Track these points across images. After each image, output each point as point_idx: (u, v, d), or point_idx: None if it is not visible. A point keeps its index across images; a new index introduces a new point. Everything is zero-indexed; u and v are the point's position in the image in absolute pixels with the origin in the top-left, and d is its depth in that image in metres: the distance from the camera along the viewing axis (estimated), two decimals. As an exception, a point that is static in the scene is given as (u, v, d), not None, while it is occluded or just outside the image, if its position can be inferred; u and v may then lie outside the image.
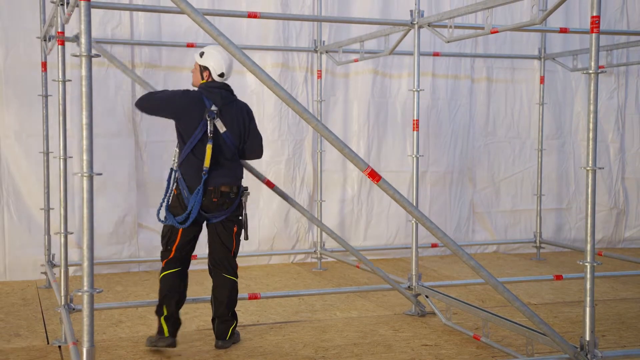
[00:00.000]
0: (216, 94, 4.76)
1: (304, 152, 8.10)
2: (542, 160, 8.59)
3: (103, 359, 4.64)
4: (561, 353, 4.29)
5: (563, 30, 7.08)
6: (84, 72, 3.30)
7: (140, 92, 7.46)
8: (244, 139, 4.85)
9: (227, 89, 4.85)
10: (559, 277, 6.45)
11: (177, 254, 4.78)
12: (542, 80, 8.53)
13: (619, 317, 5.77)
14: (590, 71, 4.05)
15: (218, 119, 4.68)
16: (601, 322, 5.51)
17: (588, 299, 4.12)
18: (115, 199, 7.42)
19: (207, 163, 4.62)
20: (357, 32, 7.75)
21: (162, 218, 4.79)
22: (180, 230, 4.71)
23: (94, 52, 3.34)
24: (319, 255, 7.83)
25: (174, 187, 4.80)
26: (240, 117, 4.83)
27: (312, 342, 5.05)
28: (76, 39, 6.06)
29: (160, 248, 4.87)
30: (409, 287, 5.88)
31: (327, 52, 7.78)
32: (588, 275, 4.11)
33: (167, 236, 4.77)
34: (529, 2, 5.08)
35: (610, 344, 5.00)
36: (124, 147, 7.46)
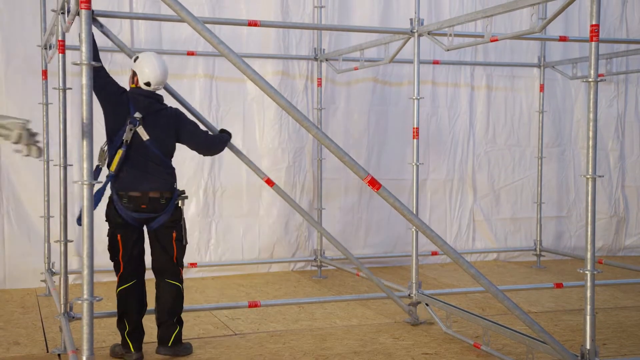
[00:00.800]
0: (140, 102, 4.71)
1: (304, 160, 8.11)
2: (542, 168, 8.59)
3: (103, 367, 4.63)
4: (562, 361, 4.28)
5: (562, 39, 7.10)
6: (84, 81, 3.30)
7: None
8: (172, 146, 4.81)
9: (154, 97, 4.78)
10: (559, 285, 6.44)
11: (129, 267, 4.75)
12: (541, 88, 8.54)
13: (619, 325, 5.76)
14: (590, 79, 4.06)
15: (140, 126, 4.65)
16: (602, 330, 5.50)
17: (588, 307, 4.11)
18: (116, 207, 7.41)
19: (113, 167, 4.65)
20: (357, 40, 7.76)
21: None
22: (119, 237, 4.71)
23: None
24: (319, 263, 7.83)
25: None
26: (167, 125, 4.77)
27: (312, 350, 5.04)
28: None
29: None
30: (409, 295, 5.87)
31: (327, 60, 7.79)
32: (588, 284, 4.11)
33: (110, 246, 4.77)
34: (529, 11, 5.09)
35: (610, 353, 4.99)
36: (124, 155, 7.45)
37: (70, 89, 5.25)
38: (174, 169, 4.85)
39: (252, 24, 5.95)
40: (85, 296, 3.28)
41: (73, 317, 5.00)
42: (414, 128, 5.86)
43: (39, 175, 6.86)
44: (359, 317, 5.93)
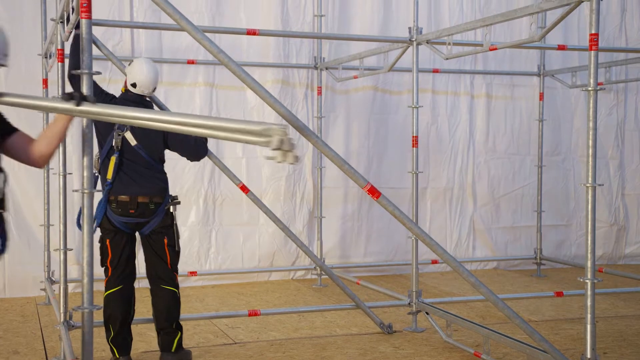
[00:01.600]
0: (128, 106, 4.71)
1: (304, 169, 8.11)
2: (542, 177, 8.59)
3: (102, 376, 4.62)
4: (562, 370, 4.27)
5: (562, 48, 7.11)
6: (85, 90, 3.31)
7: (140, 108, 7.50)
8: (161, 151, 4.85)
9: (143, 102, 4.78)
10: (559, 294, 6.43)
11: (115, 272, 4.74)
12: (541, 96, 8.55)
13: (620, 334, 5.75)
14: (590, 88, 4.07)
15: (128, 131, 4.67)
16: (602, 339, 5.49)
17: (589, 315, 4.11)
18: (115, 216, 7.41)
19: (109, 175, 4.66)
20: (356, 49, 7.78)
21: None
22: (108, 242, 4.71)
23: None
24: (319, 272, 7.81)
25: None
26: (155, 130, 4.75)
27: (312, 359, 5.03)
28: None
29: None
30: (409, 303, 5.87)
31: (327, 68, 7.81)
32: (589, 292, 4.11)
33: (100, 251, 4.75)
34: (528, 20, 5.11)
35: (611, 361, 4.98)
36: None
37: (70, 97, 5.24)
38: (165, 173, 4.86)
39: (251, 32, 5.96)
40: (85, 305, 3.28)
41: (73, 326, 4.99)
42: (413, 136, 5.87)
43: (39, 183, 6.87)
44: (359, 326, 5.92)
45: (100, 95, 4.70)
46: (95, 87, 4.68)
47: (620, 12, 9.09)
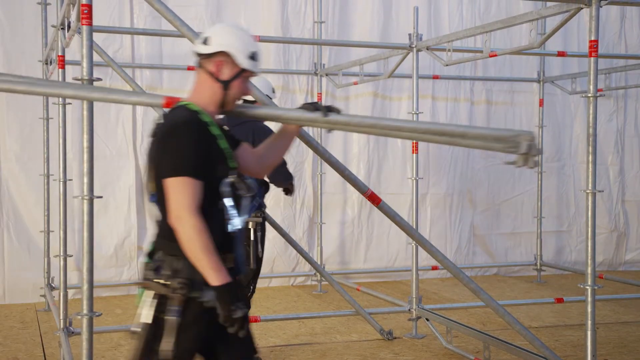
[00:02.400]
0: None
1: (304, 175, 8.11)
2: (542, 183, 8.59)
3: (102, 382, 4.61)
4: (563, 377, 4.26)
5: (561, 54, 7.13)
6: (85, 96, 3.31)
7: (141, 114, 7.51)
8: None
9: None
10: (559, 300, 6.43)
11: None
12: (541, 103, 8.56)
13: (620, 340, 5.74)
14: (589, 94, 4.08)
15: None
16: (603, 345, 5.48)
17: (589, 322, 4.10)
18: (115, 222, 7.42)
19: None
20: (356, 55, 7.79)
21: None
22: None
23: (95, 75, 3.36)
24: (319, 278, 7.81)
25: None
26: (246, 138, 4.86)
27: (312, 365, 5.02)
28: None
29: None
30: (409, 309, 5.86)
31: (327, 74, 7.82)
32: (589, 299, 4.10)
33: None
34: (528, 26, 5.12)
35: (612, 368, 4.97)
36: (124, 170, 7.48)
37: (70, 104, 5.26)
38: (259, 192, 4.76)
39: (252, 39, 5.96)
40: (84, 311, 3.28)
41: (72, 332, 4.98)
42: (413, 143, 5.87)
43: (39, 189, 6.87)
44: (359, 332, 5.91)
45: None
46: None
47: (619, 19, 9.11)
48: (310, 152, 7.97)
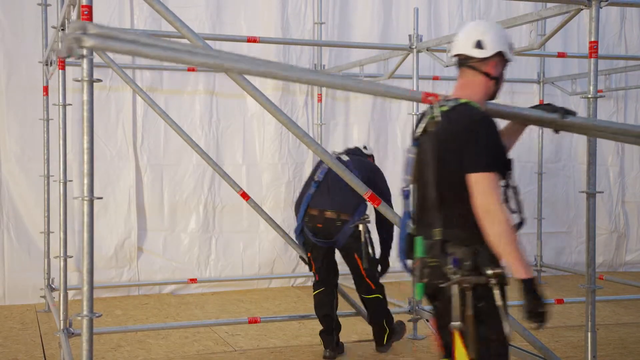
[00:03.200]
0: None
1: (304, 175, 8.09)
2: (542, 184, 8.59)
3: (102, 383, 4.61)
4: (563, 378, 4.26)
5: (561, 55, 7.12)
6: (85, 97, 3.32)
7: (141, 115, 7.51)
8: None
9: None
10: (560, 301, 6.42)
11: (320, 277, 5.20)
12: (541, 103, 8.54)
13: (620, 341, 5.74)
14: (589, 95, 4.08)
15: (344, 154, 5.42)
16: (603, 346, 5.47)
17: (589, 323, 4.10)
18: (116, 223, 7.42)
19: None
20: (356, 56, 7.79)
21: None
22: (310, 255, 5.16)
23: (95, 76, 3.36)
24: (319, 279, 7.80)
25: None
26: (361, 170, 5.16)
27: (312, 366, 5.02)
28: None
29: None
30: (409, 310, 5.85)
31: (327, 76, 7.81)
32: (589, 299, 4.10)
33: (308, 259, 5.23)
34: (528, 27, 5.12)
35: (612, 369, 4.97)
36: (124, 170, 7.48)
37: (70, 105, 5.26)
38: (363, 199, 4.73)
39: (252, 40, 5.98)
40: (84, 312, 3.28)
41: (72, 333, 4.98)
42: (414, 144, 5.86)
43: (39, 191, 6.87)
44: (359, 333, 5.91)
45: None
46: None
47: (619, 20, 9.11)
48: (310, 152, 7.97)
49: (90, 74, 3.32)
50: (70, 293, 6.44)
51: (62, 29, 4.78)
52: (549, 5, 4.59)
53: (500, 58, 2.87)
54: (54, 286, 6.70)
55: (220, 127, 7.79)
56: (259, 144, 7.96)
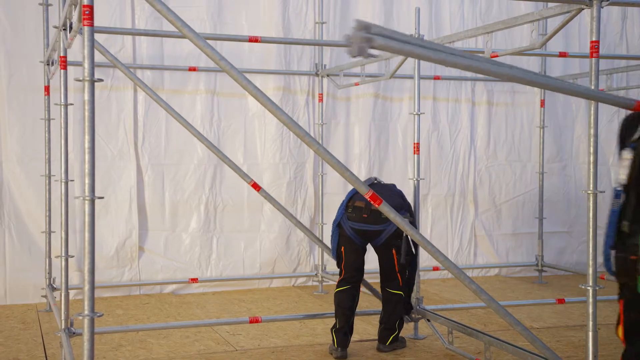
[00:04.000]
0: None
1: (305, 175, 8.11)
2: (543, 184, 8.59)
3: (103, 383, 4.61)
4: (564, 378, 4.26)
5: (562, 55, 7.12)
6: (86, 97, 3.31)
7: (142, 115, 7.52)
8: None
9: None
10: (561, 301, 6.42)
11: (346, 274, 5.29)
12: (542, 103, 8.56)
13: (621, 341, 5.73)
14: (590, 95, 4.06)
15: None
16: (604, 346, 5.47)
17: (591, 323, 4.10)
18: (117, 223, 7.43)
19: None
20: (358, 56, 7.79)
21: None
22: (343, 250, 5.26)
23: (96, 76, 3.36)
24: (320, 279, 7.81)
25: None
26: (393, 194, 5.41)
27: (314, 366, 5.02)
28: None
29: None
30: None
31: (328, 75, 7.82)
32: (590, 299, 4.10)
33: (337, 253, 5.33)
34: (529, 27, 5.12)
35: (613, 369, 4.97)
36: (125, 170, 7.48)
37: (71, 104, 5.26)
38: (405, 198, 5.43)
39: (253, 40, 5.98)
40: (86, 312, 3.28)
41: (74, 333, 4.98)
42: (414, 143, 5.87)
43: (41, 190, 6.88)
44: (360, 333, 5.91)
45: None
46: None
47: (621, 20, 9.10)
48: (312, 152, 7.97)
49: (92, 73, 3.32)
50: (72, 293, 6.44)
51: (63, 29, 4.78)
52: (550, 5, 4.59)
53: None
54: (55, 286, 6.71)
55: (221, 127, 7.80)
56: (260, 143, 7.96)
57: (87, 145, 3.33)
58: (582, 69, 8.66)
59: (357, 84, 7.47)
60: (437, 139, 8.58)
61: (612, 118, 9.16)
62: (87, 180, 3.33)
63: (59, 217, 5.28)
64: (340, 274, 5.34)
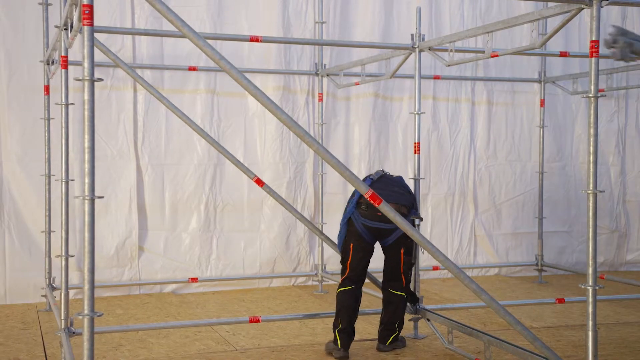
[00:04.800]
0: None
1: (305, 175, 8.11)
2: (543, 183, 8.59)
3: (103, 383, 4.61)
4: (564, 377, 4.26)
5: (563, 54, 7.12)
6: (86, 96, 3.31)
7: (142, 114, 7.52)
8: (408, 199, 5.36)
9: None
10: (561, 301, 6.42)
11: (350, 273, 5.25)
12: (542, 103, 8.56)
13: (621, 341, 5.74)
14: (590, 95, 4.07)
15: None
16: (604, 346, 5.48)
17: (590, 322, 4.10)
18: (117, 222, 7.43)
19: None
20: (358, 55, 7.79)
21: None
22: (351, 246, 5.22)
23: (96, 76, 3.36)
24: (320, 278, 7.81)
25: None
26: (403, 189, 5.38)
27: (313, 366, 5.02)
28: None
29: None
30: (410, 310, 5.85)
31: (328, 75, 7.82)
32: (590, 299, 4.10)
33: (342, 251, 5.30)
34: (529, 27, 5.12)
35: (613, 368, 4.97)
36: (125, 170, 7.48)
37: (72, 104, 5.26)
38: (414, 196, 5.47)
39: (254, 39, 5.98)
40: (86, 311, 3.28)
41: (74, 333, 4.98)
42: (415, 143, 5.87)
43: (40, 190, 6.88)
44: (360, 333, 5.91)
45: None
46: None
47: (620, 19, 9.10)
48: (312, 152, 7.97)
49: (92, 73, 3.32)
50: (71, 292, 6.45)
51: (64, 29, 4.78)
52: (550, 4, 4.59)
53: None
54: (55, 285, 6.71)
55: (222, 126, 7.80)
56: (260, 143, 7.96)
57: (87, 144, 3.33)
58: (582, 68, 8.66)
59: (357, 84, 7.47)
60: (437, 138, 8.59)
61: (612, 118, 9.17)
62: (87, 180, 3.34)
63: (59, 217, 5.29)
64: (344, 273, 5.29)
